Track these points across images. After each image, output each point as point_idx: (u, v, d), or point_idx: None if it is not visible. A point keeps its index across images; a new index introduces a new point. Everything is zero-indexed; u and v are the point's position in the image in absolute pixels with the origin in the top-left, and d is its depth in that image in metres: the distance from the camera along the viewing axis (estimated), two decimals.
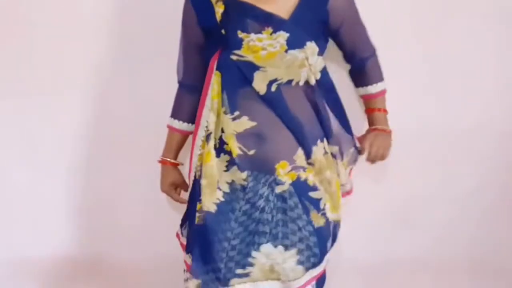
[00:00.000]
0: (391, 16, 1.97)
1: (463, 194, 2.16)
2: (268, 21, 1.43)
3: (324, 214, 1.55)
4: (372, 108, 1.69)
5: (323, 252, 1.55)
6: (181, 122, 1.68)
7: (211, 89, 1.50)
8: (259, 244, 1.50)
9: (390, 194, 2.11)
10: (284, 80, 1.47)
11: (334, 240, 1.62)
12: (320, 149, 1.55)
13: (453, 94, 2.08)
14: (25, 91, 2.06)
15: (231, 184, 1.52)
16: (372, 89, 1.67)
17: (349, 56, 1.67)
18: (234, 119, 1.49)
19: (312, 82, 1.49)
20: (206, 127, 1.53)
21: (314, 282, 1.58)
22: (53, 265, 2.17)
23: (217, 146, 1.52)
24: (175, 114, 1.70)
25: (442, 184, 2.16)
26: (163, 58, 1.84)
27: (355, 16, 1.59)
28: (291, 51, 1.42)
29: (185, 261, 1.62)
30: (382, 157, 1.65)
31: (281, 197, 1.51)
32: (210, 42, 1.51)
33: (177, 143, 1.71)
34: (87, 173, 2.14)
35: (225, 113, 1.49)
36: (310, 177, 1.54)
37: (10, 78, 2.06)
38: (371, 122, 1.71)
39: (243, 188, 1.51)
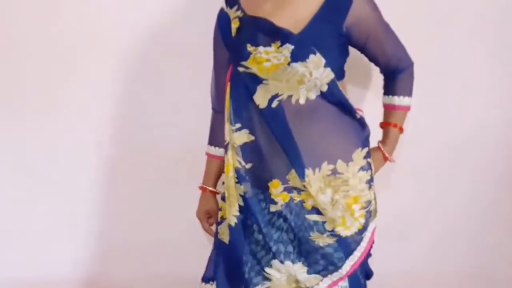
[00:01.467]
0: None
1: (457, 206, 2.18)
2: (277, 35, 1.44)
3: (333, 235, 1.52)
4: (388, 122, 1.63)
5: (341, 259, 1.53)
6: (217, 148, 1.68)
7: (226, 100, 1.53)
8: (269, 260, 1.53)
9: (383, 206, 2.08)
10: (285, 96, 1.45)
11: (356, 245, 1.55)
12: (322, 171, 1.48)
13: (445, 104, 2.09)
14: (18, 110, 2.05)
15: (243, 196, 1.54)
16: (397, 100, 1.62)
17: (381, 68, 1.63)
18: (235, 130, 1.50)
19: (312, 96, 1.45)
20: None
21: (344, 281, 1.57)
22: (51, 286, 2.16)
23: None
24: (211, 141, 1.70)
25: (435, 196, 2.16)
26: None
27: (382, 29, 1.55)
28: (293, 64, 1.42)
29: None
30: None
31: (277, 215, 1.52)
32: (230, 58, 1.54)
33: (215, 170, 1.70)
34: (85, 192, 2.13)
35: (230, 124, 1.51)
36: (309, 201, 1.51)
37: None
38: (383, 137, 1.66)
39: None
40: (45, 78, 2.04)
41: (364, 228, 1.54)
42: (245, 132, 1.50)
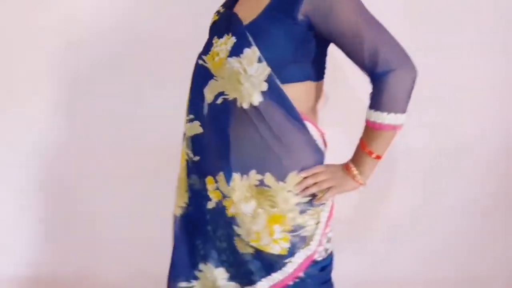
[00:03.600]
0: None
1: (453, 211, 2.21)
2: (233, 26, 1.37)
3: (251, 246, 1.42)
4: (361, 140, 1.37)
5: (258, 272, 1.44)
6: None
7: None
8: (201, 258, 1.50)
9: (379, 212, 2.16)
10: (230, 97, 1.35)
11: (277, 269, 1.43)
12: (249, 179, 1.38)
13: (443, 108, 2.13)
14: None
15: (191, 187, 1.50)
16: (374, 116, 1.31)
17: (360, 69, 1.35)
18: (188, 121, 1.47)
19: (256, 100, 1.31)
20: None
21: None
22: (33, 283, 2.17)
23: None
24: None
25: (430, 201, 2.21)
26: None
27: (352, 20, 1.28)
28: (229, 59, 1.33)
29: None
30: (318, 190, 1.38)
31: (211, 213, 1.47)
32: None
33: None
34: (64, 186, 2.16)
35: (186, 114, 1.48)
36: (231, 209, 1.42)
37: None
38: (352, 157, 1.40)
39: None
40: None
41: (289, 254, 1.40)
42: (196, 123, 1.45)
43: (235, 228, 1.41)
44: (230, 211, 1.41)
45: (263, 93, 1.31)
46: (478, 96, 2.12)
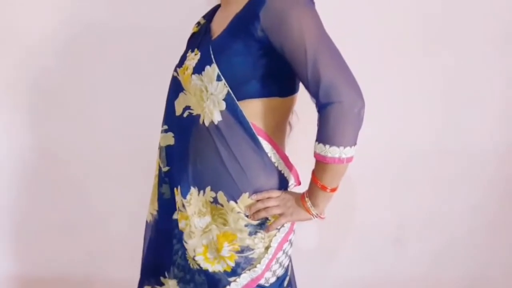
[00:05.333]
0: (389, 40, 1.98)
1: (457, 214, 2.16)
2: (203, 40, 1.35)
3: (196, 261, 1.39)
4: (313, 173, 1.29)
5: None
6: None
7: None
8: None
9: (382, 213, 2.11)
10: (194, 112, 1.33)
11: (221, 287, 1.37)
12: (205, 196, 1.34)
13: (449, 112, 2.08)
14: None
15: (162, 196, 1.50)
16: (316, 147, 1.23)
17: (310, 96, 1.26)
18: (163, 131, 1.45)
19: (215, 119, 1.27)
20: None
21: None
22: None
23: None
24: None
25: (434, 204, 2.15)
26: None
27: (303, 41, 1.19)
28: (193, 76, 1.29)
29: None
30: (264, 216, 1.32)
31: (176, 224, 1.45)
32: None
33: None
34: (71, 186, 2.13)
35: (162, 124, 1.47)
36: (182, 223, 1.39)
37: None
38: (307, 190, 1.32)
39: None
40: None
41: (233, 272, 1.35)
42: (170, 134, 1.43)
43: (184, 243, 1.39)
44: (180, 225, 1.39)
45: (221, 112, 1.28)
46: (485, 99, 2.08)
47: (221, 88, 1.26)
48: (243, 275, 1.35)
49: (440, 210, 2.16)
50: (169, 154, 1.43)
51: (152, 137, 1.99)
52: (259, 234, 1.34)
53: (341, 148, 1.19)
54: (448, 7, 1.98)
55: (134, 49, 1.98)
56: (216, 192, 1.32)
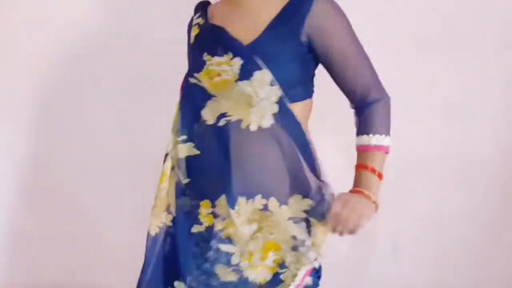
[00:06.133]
0: (386, 44, 1.98)
1: (453, 221, 2.14)
2: (229, 45, 1.33)
3: (237, 271, 1.35)
4: (362, 165, 1.34)
5: None
6: None
7: (176, 110, 1.44)
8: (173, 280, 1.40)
9: (380, 219, 2.08)
10: (234, 118, 1.31)
11: None
12: (254, 204, 1.33)
13: (448, 119, 2.07)
14: None
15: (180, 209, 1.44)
16: (368, 139, 1.34)
17: (348, 96, 1.40)
18: (181, 142, 1.40)
19: (267, 123, 1.30)
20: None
21: None
22: None
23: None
24: None
25: (431, 211, 2.13)
26: None
27: (348, 45, 1.34)
28: (239, 82, 1.29)
29: None
30: (353, 228, 1.28)
31: (196, 237, 1.39)
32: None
33: None
34: (65, 193, 2.11)
35: (175, 135, 1.42)
36: (230, 230, 1.35)
37: None
38: (356, 183, 1.35)
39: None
40: None
41: (272, 283, 1.34)
42: (189, 145, 1.38)
43: (229, 247, 1.35)
44: (227, 232, 1.35)
45: (274, 115, 1.30)
46: (484, 105, 2.08)
47: (274, 92, 1.30)
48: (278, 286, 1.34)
49: (438, 216, 2.14)
50: (191, 165, 1.39)
51: (149, 146, 1.95)
52: (298, 254, 1.32)
53: (388, 137, 1.36)
54: (449, 11, 2.00)
55: (132, 58, 1.99)
56: (268, 199, 1.32)
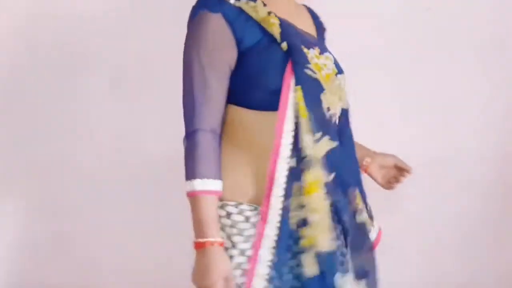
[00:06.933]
0: (381, 47, 2.00)
1: (453, 222, 2.16)
2: (313, 40, 1.36)
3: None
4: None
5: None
6: (217, 180, 1.23)
7: (292, 108, 1.25)
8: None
9: (376, 220, 2.10)
10: (338, 111, 1.34)
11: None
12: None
13: (437, 117, 2.10)
14: None
15: None
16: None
17: None
18: (317, 140, 1.26)
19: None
20: (291, 156, 1.25)
21: None
22: None
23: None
24: (208, 172, 1.22)
25: (431, 211, 2.15)
26: None
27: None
28: (339, 76, 1.33)
29: None
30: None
31: (360, 226, 1.37)
32: (254, 63, 1.26)
33: (216, 212, 1.25)
34: (65, 201, 2.10)
35: (311, 134, 1.25)
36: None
37: None
38: None
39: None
40: None
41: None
42: (326, 139, 1.27)
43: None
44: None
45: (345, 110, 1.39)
46: (476, 104, 2.10)
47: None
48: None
49: (438, 216, 2.16)
50: (330, 159, 1.28)
51: (147, 147, 2.03)
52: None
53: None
54: (447, 11, 2.02)
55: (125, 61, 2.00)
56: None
